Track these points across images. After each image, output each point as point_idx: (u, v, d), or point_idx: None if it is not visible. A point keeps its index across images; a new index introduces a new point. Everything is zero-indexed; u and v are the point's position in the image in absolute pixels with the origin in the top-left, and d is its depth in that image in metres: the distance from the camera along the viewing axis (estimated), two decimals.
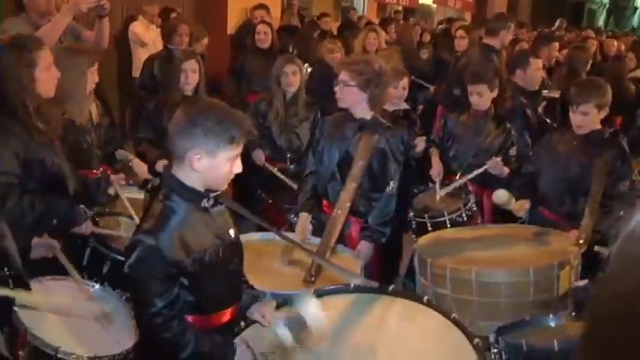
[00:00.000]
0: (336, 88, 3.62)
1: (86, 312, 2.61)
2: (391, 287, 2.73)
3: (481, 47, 5.74)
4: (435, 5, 16.89)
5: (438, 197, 4.25)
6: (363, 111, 3.64)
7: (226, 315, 2.43)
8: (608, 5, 25.47)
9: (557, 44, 7.23)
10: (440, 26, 12.40)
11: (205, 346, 2.29)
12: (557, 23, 13.38)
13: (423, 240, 3.70)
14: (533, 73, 5.09)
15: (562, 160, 3.86)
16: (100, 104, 3.97)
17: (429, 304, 2.63)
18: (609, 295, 0.95)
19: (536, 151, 4.17)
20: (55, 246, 2.83)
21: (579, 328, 2.61)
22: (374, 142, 3.57)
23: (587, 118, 3.74)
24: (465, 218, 4.02)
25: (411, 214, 4.12)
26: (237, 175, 2.37)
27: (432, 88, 6.99)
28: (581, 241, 3.37)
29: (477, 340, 2.37)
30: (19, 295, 2.33)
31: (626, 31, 19.56)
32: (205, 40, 6.39)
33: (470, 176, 4.19)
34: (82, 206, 3.13)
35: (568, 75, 6.24)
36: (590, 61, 7.00)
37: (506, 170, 4.22)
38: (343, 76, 3.57)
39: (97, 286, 2.87)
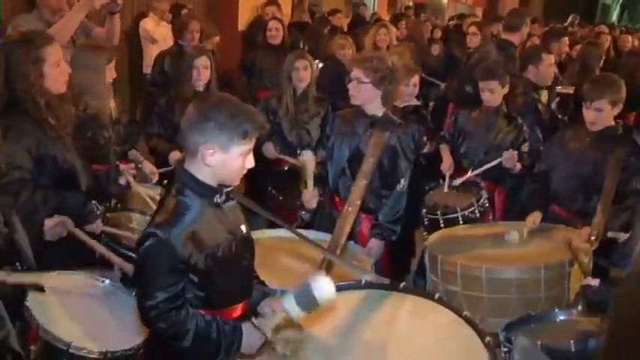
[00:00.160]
0: (349, 85, 3.61)
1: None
2: (402, 284, 2.72)
3: (499, 43, 5.71)
4: (446, 1, 16.83)
5: (446, 189, 4.26)
6: (375, 108, 3.63)
7: (237, 310, 2.43)
8: (621, 0, 25.25)
9: (567, 39, 7.19)
10: (451, 22, 12.34)
11: (212, 331, 2.27)
12: (569, 19, 13.29)
13: (434, 237, 3.69)
14: (546, 69, 5.07)
15: (575, 156, 3.84)
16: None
17: (440, 302, 2.61)
18: (633, 295, 0.94)
19: (549, 148, 4.14)
20: (68, 222, 2.83)
21: (589, 323, 2.60)
22: (385, 140, 3.56)
23: (600, 114, 3.71)
24: (478, 215, 4.02)
25: (424, 210, 4.11)
26: (248, 171, 2.37)
27: (442, 85, 6.96)
28: (592, 239, 3.34)
29: (488, 338, 2.35)
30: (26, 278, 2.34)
31: None
32: (216, 38, 6.39)
33: (484, 167, 4.16)
34: (93, 202, 3.15)
35: (581, 71, 6.20)
36: (604, 57, 6.95)
37: (518, 165, 4.21)
38: (357, 73, 3.56)
39: (108, 281, 2.88)
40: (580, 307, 2.72)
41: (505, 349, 2.57)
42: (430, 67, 6.93)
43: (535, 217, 3.75)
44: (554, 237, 3.59)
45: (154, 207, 2.88)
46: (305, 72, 4.70)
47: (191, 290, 2.27)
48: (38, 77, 2.92)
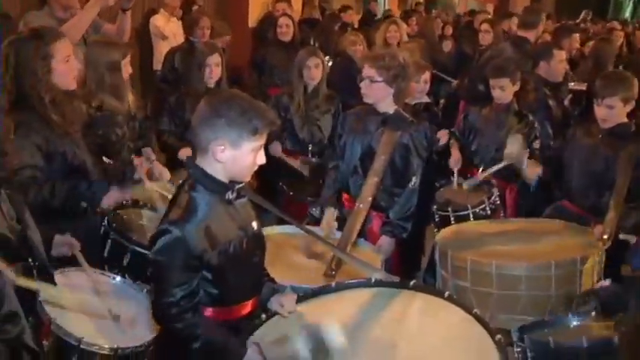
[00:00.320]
0: (361, 84, 3.59)
1: (97, 310, 2.61)
2: (412, 282, 2.71)
3: (514, 40, 5.67)
4: None
5: (455, 185, 4.25)
6: (387, 105, 3.62)
7: (247, 307, 2.43)
8: None
9: (577, 36, 7.12)
10: (462, 18, 12.29)
11: (218, 341, 2.30)
12: (582, 15, 13.20)
13: (444, 232, 3.68)
14: (557, 65, 5.03)
15: (586, 153, 3.81)
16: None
17: (450, 299, 2.60)
18: None
19: (560, 144, 4.12)
20: (74, 245, 2.84)
21: (604, 327, 2.57)
22: (396, 138, 3.55)
23: (612, 111, 3.68)
24: (489, 212, 3.99)
25: (434, 207, 4.09)
26: (260, 167, 2.37)
27: (454, 82, 6.93)
28: (605, 237, 3.31)
29: (498, 336, 2.34)
30: (42, 287, 2.34)
31: None
32: (227, 38, 6.38)
33: (496, 168, 4.14)
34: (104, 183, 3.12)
35: (594, 68, 6.15)
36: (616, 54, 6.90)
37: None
38: (369, 72, 3.54)
39: (118, 278, 2.89)
40: (594, 313, 2.68)
41: (518, 349, 2.56)
42: (441, 64, 6.90)
43: (535, 166, 3.81)
44: (566, 234, 3.56)
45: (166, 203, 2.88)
46: (316, 70, 4.69)
47: (204, 287, 2.28)
48: (46, 73, 2.92)
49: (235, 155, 2.26)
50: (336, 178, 3.76)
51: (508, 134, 4.31)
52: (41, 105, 2.91)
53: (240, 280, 2.37)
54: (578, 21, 12.40)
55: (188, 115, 4.18)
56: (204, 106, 2.27)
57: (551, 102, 4.91)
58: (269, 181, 4.40)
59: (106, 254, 3.17)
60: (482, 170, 4.23)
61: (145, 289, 2.85)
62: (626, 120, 3.76)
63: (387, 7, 13.13)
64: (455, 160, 4.40)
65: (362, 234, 3.48)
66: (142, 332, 2.57)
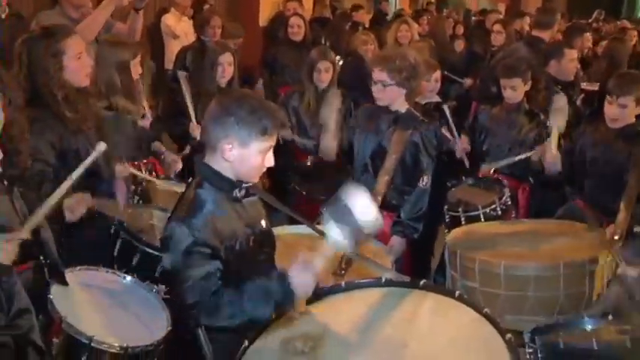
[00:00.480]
0: (373, 88, 3.59)
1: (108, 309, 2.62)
2: (423, 282, 2.70)
3: (529, 40, 5.64)
4: None
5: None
6: (399, 104, 3.62)
7: None
8: None
9: (589, 35, 7.09)
10: (473, 17, 12.23)
11: (244, 303, 2.18)
12: (595, 14, 13.10)
13: (455, 233, 3.66)
14: (567, 64, 5.01)
15: (598, 153, 3.80)
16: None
17: (460, 299, 2.59)
18: None
19: (572, 145, 4.09)
20: (87, 198, 2.82)
21: (617, 333, 2.55)
22: (407, 137, 3.54)
23: (624, 111, 3.67)
24: (500, 212, 3.97)
25: (445, 207, 4.07)
26: (271, 168, 2.37)
27: (464, 82, 6.90)
28: (616, 237, 3.29)
29: (509, 335, 2.33)
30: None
31: None
32: (240, 40, 6.38)
33: (517, 158, 4.12)
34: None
35: (608, 67, 6.10)
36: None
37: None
38: (381, 76, 3.54)
39: (129, 277, 2.90)
40: (610, 317, 2.65)
41: (530, 350, 2.54)
42: (451, 64, 6.87)
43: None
44: (577, 235, 3.54)
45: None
46: (327, 74, 4.70)
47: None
48: (58, 70, 2.94)
49: (243, 154, 2.26)
50: None
51: (520, 133, 4.30)
52: (54, 102, 2.93)
53: (246, 277, 2.37)
54: (590, 20, 12.30)
55: (199, 114, 4.19)
56: (215, 105, 2.29)
57: None
58: (281, 181, 4.41)
59: (115, 253, 3.18)
60: (494, 171, 4.22)
61: (155, 289, 2.85)
62: (634, 120, 3.74)
63: (398, 7, 13.09)
64: (461, 148, 4.42)
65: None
66: (152, 331, 2.58)
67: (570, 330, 2.66)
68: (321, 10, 9.47)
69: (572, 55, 5.06)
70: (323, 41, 7.34)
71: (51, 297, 2.41)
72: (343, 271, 3.09)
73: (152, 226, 3.43)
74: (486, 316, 2.46)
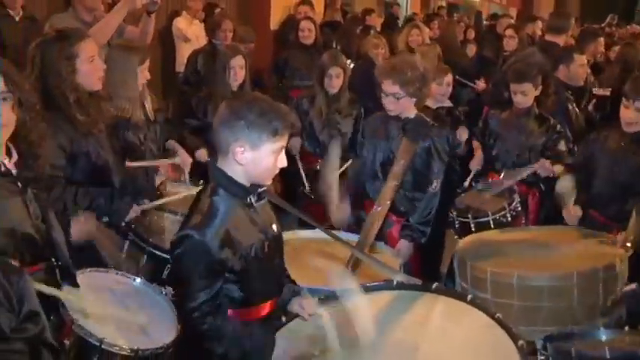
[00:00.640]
0: (384, 101, 3.60)
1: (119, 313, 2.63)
2: (435, 285, 2.69)
3: (542, 45, 5.61)
4: (478, 0, 16.65)
5: (467, 183, 4.27)
6: (408, 111, 3.62)
7: (266, 308, 2.43)
8: None
9: (602, 40, 7.05)
10: (485, 22, 12.21)
11: (245, 340, 2.29)
12: (607, 19, 13.04)
13: (464, 242, 3.63)
14: (577, 69, 4.98)
15: (611, 160, 3.75)
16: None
17: (472, 303, 2.58)
18: None
19: (583, 151, 4.06)
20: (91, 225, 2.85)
21: (631, 344, 2.52)
22: (415, 147, 3.54)
23: None
24: (510, 219, 3.94)
25: (454, 213, 4.05)
26: (282, 172, 2.37)
27: (476, 85, 6.87)
28: (628, 245, 3.26)
29: (521, 341, 2.32)
30: (65, 297, 2.36)
31: None
32: (251, 45, 6.39)
33: (519, 177, 4.10)
34: (127, 198, 3.16)
35: (621, 73, 6.06)
36: None
37: (555, 169, 4.12)
38: (393, 89, 3.53)
39: (138, 279, 2.90)
40: (627, 328, 2.63)
41: (542, 357, 2.52)
42: (462, 68, 6.84)
43: (577, 210, 3.73)
44: (588, 243, 3.51)
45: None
46: (337, 79, 4.70)
47: (227, 289, 2.29)
48: (70, 73, 2.95)
49: (255, 157, 2.26)
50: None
51: (530, 138, 4.28)
52: (66, 105, 2.94)
53: (263, 282, 2.38)
54: (602, 25, 12.24)
55: (210, 117, 4.20)
56: (225, 109, 2.28)
57: (570, 106, 4.85)
58: (291, 185, 4.41)
59: (123, 255, 3.19)
60: (505, 175, 4.20)
61: (164, 291, 2.86)
62: None
63: (410, 11, 13.08)
64: (476, 162, 4.37)
65: (382, 238, 3.46)
66: (161, 334, 2.58)
67: (585, 339, 2.63)
68: (332, 13, 9.47)
69: (581, 60, 5.03)
70: (334, 45, 7.35)
71: (62, 299, 2.41)
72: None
73: (162, 228, 3.44)
74: (498, 321, 2.45)
